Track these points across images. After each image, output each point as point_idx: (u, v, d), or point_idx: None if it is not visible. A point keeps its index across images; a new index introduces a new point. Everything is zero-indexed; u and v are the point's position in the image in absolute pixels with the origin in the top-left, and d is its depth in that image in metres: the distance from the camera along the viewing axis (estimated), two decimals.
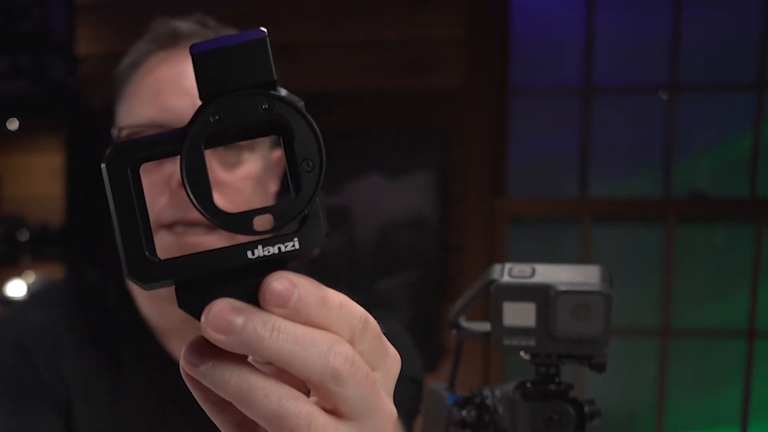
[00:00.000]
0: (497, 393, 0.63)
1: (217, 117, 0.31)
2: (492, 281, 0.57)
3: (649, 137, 2.46)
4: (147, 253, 0.32)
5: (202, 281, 0.32)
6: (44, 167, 2.60)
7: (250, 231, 0.31)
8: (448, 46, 2.37)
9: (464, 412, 0.63)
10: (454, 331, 0.63)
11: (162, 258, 0.32)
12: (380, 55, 2.40)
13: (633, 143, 2.49)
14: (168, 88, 0.82)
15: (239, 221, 0.31)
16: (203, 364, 0.31)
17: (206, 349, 0.31)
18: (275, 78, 0.31)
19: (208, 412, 0.34)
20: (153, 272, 0.32)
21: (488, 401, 0.63)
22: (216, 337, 0.30)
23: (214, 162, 0.79)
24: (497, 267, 0.59)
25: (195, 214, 0.81)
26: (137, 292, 0.90)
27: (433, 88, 2.38)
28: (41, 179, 2.62)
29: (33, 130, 2.62)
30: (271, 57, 0.31)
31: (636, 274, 2.46)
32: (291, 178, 0.32)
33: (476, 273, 0.66)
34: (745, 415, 2.41)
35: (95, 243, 2.34)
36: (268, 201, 0.89)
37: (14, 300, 2.49)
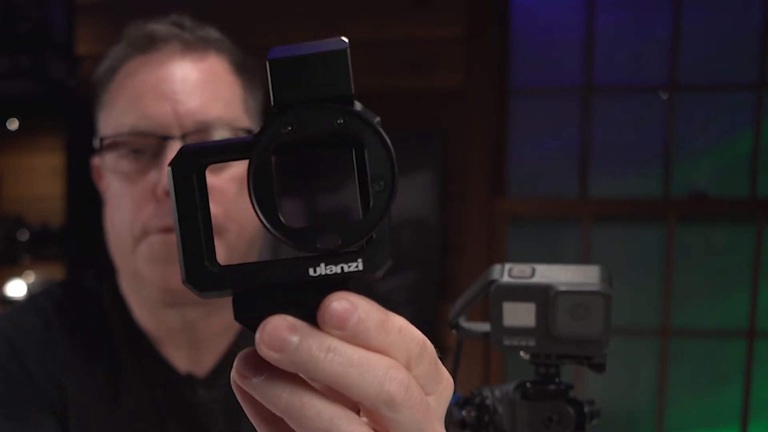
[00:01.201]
0: (497, 393, 0.63)
1: (289, 128, 0.30)
2: (492, 281, 0.57)
3: (649, 137, 2.46)
4: (206, 261, 0.31)
5: (259, 294, 0.31)
6: (44, 167, 2.60)
7: (313, 248, 0.30)
8: (448, 46, 2.36)
9: (464, 412, 0.63)
10: (454, 331, 0.63)
11: (220, 265, 0.31)
12: (380, 55, 2.40)
13: (633, 143, 2.48)
14: (147, 94, 0.81)
15: (303, 237, 0.30)
16: (256, 377, 0.30)
17: (259, 362, 0.30)
18: (353, 92, 0.30)
19: (255, 425, 0.34)
20: (211, 281, 0.31)
21: (488, 401, 0.63)
22: (269, 354, 0.30)
23: None
24: (497, 267, 0.59)
25: None
26: (131, 298, 0.89)
27: (433, 88, 2.38)
28: (41, 179, 2.62)
29: (33, 130, 2.62)
30: (350, 69, 0.30)
31: (636, 274, 2.46)
32: (360, 196, 0.31)
33: (476, 273, 0.66)
34: (745, 415, 2.41)
35: (95, 243, 2.34)
36: None
37: (14, 300, 2.49)
